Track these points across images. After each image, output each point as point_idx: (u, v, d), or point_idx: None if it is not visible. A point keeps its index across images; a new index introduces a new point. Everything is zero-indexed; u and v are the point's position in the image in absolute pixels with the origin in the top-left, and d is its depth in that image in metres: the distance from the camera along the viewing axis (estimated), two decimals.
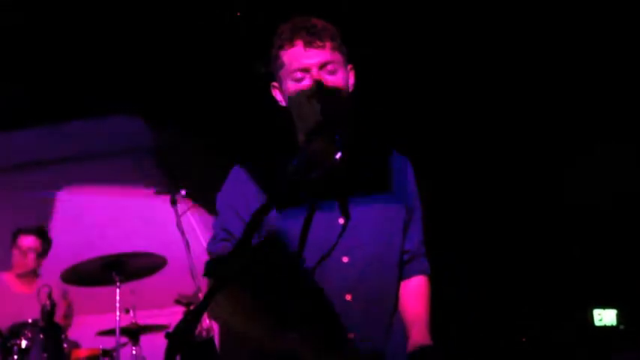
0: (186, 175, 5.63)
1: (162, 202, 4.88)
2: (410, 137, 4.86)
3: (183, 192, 4.75)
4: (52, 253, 5.02)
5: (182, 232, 4.60)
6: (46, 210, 5.79)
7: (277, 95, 2.37)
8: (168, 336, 1.78)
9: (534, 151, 5.14)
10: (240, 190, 2.32)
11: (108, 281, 4.60)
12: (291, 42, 2.27)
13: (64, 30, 4.70)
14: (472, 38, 4.79)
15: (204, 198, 5.17)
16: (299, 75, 2.26)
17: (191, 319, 1.85)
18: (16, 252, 4.88)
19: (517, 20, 4.71)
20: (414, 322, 2.32)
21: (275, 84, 2.36)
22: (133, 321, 4.64)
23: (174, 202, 4.72)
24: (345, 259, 2.24)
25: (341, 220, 2.25)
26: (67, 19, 4.59)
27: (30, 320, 4.24)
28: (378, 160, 2.40)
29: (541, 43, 4.84)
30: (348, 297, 2.23)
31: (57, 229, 5.30)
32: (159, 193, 4.99)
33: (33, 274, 4.92)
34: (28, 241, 4.86)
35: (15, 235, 4.90)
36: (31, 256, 4.86)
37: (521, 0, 4.61)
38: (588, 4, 4.56)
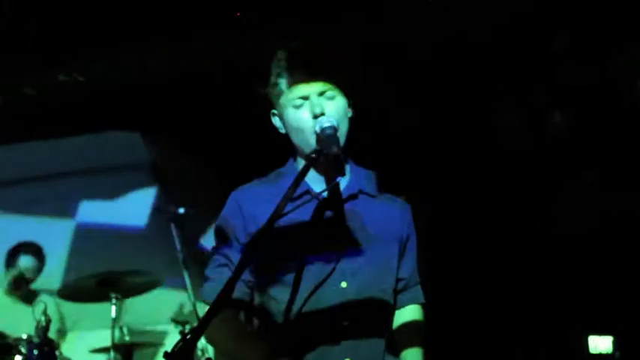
0: (184, 192, 5.63)
1: (160, 220, 4.87)
2: (407, 157, 4.92)
3: (181, 210, 4.74)
4: (47, 268, 5.01)
5: (179, 250, 4.60)
6: (42, 225, 5.77)
7: (277, 123, 2.38)
8: (166, 356, 1.78)
9: (529, 180, 5.16)
10: (240, 215, 2.33)
11: (103, 298, 4.58)
12: (289, 69, 2.30)
13: (62, 44, 4.71)
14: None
15: (203, 215, 5.17)
16: (298, 102, 2.28)
17: (189, 340, 1.85)
18: (15, 272, 4.87)
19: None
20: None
21: (274, 111, 2.38)
22: (127, 338, 4.62)
23: (172, 220, 4.72)
24: (344, 285, 2.25)
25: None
26: (62, 30, 4.61)
27: (24, 336, 4.21)
28: (373, 187, 2.42)
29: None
30: (346, 322, 2.24)
31: (53, 244, 5.28)
32: (156, 210, 5.00)
33: (28, 290, 4.92)
34: (27, 262, 4.86)
35: (13, 254, 4.89)
36: (29, 276, 4.87)
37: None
38: None
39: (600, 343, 4.57)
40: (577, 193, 4.96)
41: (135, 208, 5.67)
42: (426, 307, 2.48)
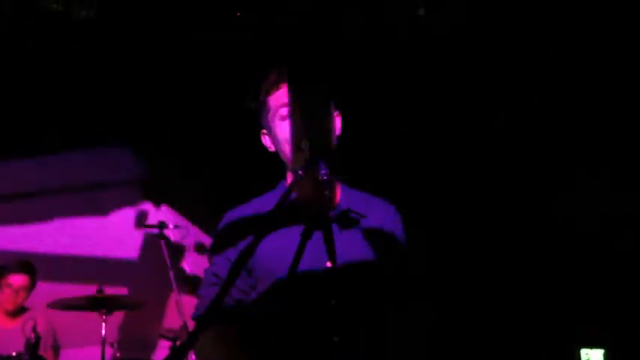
0: (174, 208, 5.63)
1: (150, 236, 4.86)
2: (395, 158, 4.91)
3: (171, 226, 4.76)
4: (38, 285, 4.97)
5: (169, 266, 4.59)
6: (32, 241, 5.73)
7: (266, 142, 2.39)
8: None
9: (522, 191, 5.15)
10: (231, 236, 2.32)
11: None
12: (277, 86, 2.31)
13: (54, 62, 4.70)
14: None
15: (192, 232, 5.18)
16: (284, 112, 2.28)
17: (177, 355, 1.85)
18: (6, 290, 4.81)
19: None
20: None
21: (264, 131, 2.38)
22: (118, 355, 4.58)
23: (162, 236, 4.72)
24: (333, 302, 2.23)
25: (328, 264, 2.24)
26: (56, 49, 4.59)
27: (14, 353, 4.18)
28: (365, 206, 2.39)
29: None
30: (336, 338, 2.21)
31: (43, 260, 5.24)
32: (147, 226, 4.99)
33: (21, 308, 4.88)
34: (20, 280, 4.80)
35: (4, 273, 4.83)
36: (22, 295, 4.82)
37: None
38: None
39: (592, 356, 4.58)
40: (577, 193, 4.95)
41: (125, 224, 5.66)
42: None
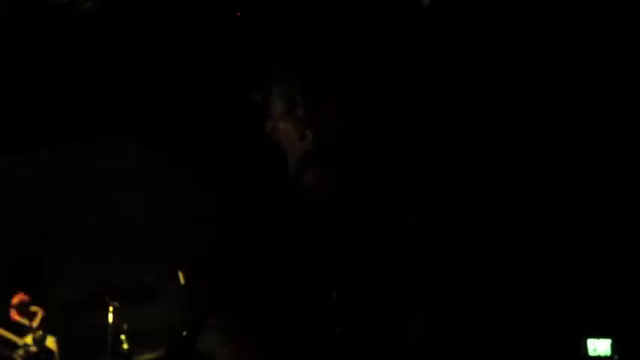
0: (179, 201, 5.65)
1: (157, 229, 4.90)
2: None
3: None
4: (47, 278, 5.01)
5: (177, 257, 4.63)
6: (40, 235, 5.78)
7: (269, 131, 2.43)
8: None
9: (528, 179, 5.18)
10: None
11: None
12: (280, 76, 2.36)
13: (55, 61, 4.74)
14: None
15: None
16: (287, 105, 2.33)
17: (183, 345, 1.88)
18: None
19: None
20: None
21: (267, 121, 2.43)
22: (126, 345, 4.62)
23: (168, 229, 4.74)
24: (334, 294, 2.27)
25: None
26: (67, 41, 4.63)
27: (21, 344, 4.23)
28: (369, 194, 2.44)
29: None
30: (339, 330, 2.24)
31: (51, 255, 5.29)
32: (154, 220, 5.01)
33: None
34: (30, 274, 4.82)
35: (15, 266, 4.86)
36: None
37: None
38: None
39: (599, 346, 4.58)
40: (578, 193, 4.98)
41: (131, 216, 5.69)
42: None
